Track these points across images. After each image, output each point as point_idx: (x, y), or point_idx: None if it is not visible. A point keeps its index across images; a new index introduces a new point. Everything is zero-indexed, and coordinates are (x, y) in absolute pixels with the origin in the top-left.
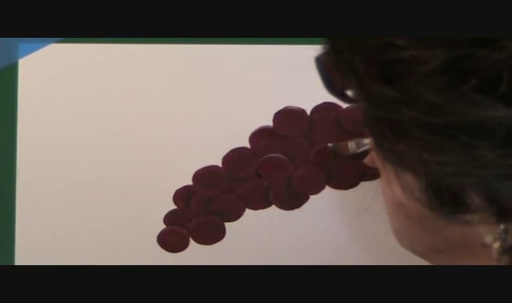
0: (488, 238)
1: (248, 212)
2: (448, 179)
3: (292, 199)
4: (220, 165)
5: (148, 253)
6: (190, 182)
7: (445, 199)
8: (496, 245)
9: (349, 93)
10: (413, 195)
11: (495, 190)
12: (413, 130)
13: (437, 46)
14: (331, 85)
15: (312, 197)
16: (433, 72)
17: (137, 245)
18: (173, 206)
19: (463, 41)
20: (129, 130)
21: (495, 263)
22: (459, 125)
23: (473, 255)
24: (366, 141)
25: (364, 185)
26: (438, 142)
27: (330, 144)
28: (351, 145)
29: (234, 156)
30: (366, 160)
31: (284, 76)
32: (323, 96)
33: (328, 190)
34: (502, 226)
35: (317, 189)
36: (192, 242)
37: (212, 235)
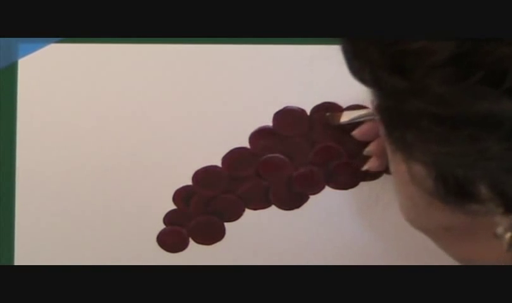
0: (500, 229)
1: (248, 212)
2: (455, 170)
3: (292, 199)
4: (220, 165)
5: (148, 253)
6: (190, 182)
7: (452, 189)
8: (508, 235)
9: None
10: (422, 184)
11: (501, 182)
12: (421, 120)
13: (446, 39)
14: (355, 70)
15: (312, 197)
16: (442, 64)
17: (137, 245)
18: (173, 206)
19: (472, 36)
20: (129, 130)
21: (502, 254)
22: (466, 117)
23: (480, 242)
24: (361, 112)
25: (364, 186)
26: (445, 134)
27: (327, 114)
28: (344, 115)
29: (234, 156)
30: (355, 132)
31: (284, 76)
32: (323, 96)
33: (328, 190)
34: None
35: (317, 189)
36: (192, 242)
37: (212, 235)
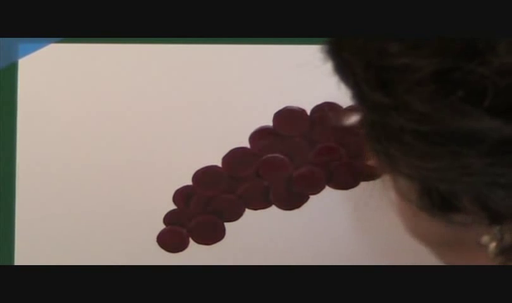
0: (485, 238)
1: (248, 212)
2: (438, 184)
3: (292, 199)
4: (220, 165)
5: (148, 253)
6: (190, 182)
7: (437, 202)
8: (492, 245)
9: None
10: (407, 197)
11: (484, 196)
12: (403, 136)
13: (428, 56)
14: (340, 79)
15: (312, 197)
16: (423, 81)
17: (137, 245)
18: (173, 206)
19: (453, 53)
20: (129, 130)
21: (490, 262)
22: (448, 133)
23: (481, 260)
24: None
25: (364, 185)
26: (428, 149)
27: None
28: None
29: (234, 156)
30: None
31: (284, 76)
32: (323, 96)
33: (328, 190)
34: (497, 227)
35: (317, 189)
36: (192, 242)
37: (212, 235)
